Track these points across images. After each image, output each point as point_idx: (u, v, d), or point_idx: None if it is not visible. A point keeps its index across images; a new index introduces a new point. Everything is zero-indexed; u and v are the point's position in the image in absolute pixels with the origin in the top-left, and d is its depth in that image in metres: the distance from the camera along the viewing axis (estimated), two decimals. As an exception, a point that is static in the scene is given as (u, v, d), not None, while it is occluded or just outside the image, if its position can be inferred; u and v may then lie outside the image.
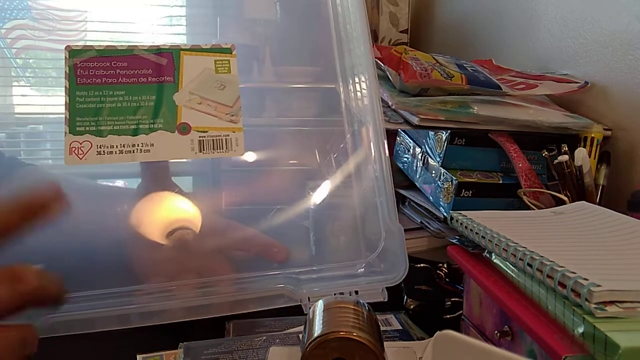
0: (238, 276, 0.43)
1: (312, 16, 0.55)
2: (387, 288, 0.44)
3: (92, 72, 0.43)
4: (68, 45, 0.43)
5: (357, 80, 0.50)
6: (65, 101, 0.42)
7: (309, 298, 0.41)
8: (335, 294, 0.41)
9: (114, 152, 0.41)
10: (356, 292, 0.42)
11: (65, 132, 0.41)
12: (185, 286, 0.42)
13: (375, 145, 0.47)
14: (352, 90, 0.50)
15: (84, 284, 0.40)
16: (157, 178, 0.46)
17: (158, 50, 0.44)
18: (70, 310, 0.38)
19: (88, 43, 0.46)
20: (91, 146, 0.41)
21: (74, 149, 0.41)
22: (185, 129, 0.43)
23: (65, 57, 0.43)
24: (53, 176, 0.50)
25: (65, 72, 0.43)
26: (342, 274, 0.44)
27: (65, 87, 0.43)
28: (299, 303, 0.42)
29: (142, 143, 0.42)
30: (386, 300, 0.43)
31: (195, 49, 0.45)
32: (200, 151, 0.43)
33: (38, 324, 0.33)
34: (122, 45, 0.44)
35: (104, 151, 0.41)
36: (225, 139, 0.43)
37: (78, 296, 0.39)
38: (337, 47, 0.51)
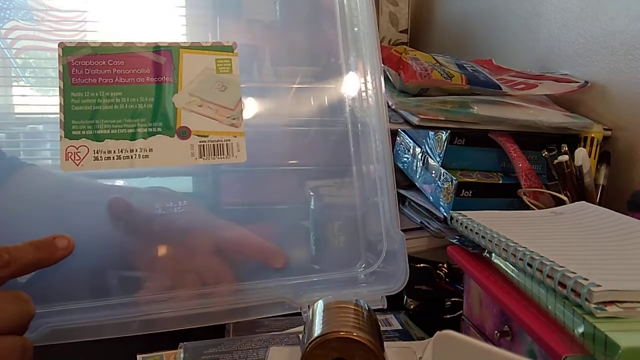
0: (238, 284, 0.43)
1: (312, 16, 0.55)
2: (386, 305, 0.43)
3: (87, 71, 0.41)
4: (61, 42, 0.41)
5: (362, 80, 0.49)
6: (60, 102, 0.40)
7: (308, 306, 0.41)
8: None
9: (112, 158, 0.40)
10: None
11: (61, 137, 0.40)
12: (185, 294, 0.42)
13: (381, 147, 0.47)
14: (357, 90, 0.50)
15: (84, 289, 0.40)
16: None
17: (156, 48, 0.43)
18: (72, 319, 0.38)
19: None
20: (88, 151, 0.40)
21: (70, 154, 0.40)
22: (185, 134, 0.41)
23: (59, 54, 0.41)
24: (54, 176, 0.50)
25: (60, 71, 0.41)
26: (342, 282, 0.44)
27: (60, 87, 0.41)
28: (299, 310, 0.42)
29: (140, 148, 0.40)
30: (385, 307, 0.43)
31: (195, 47, 0.43)
32: (201, 157, 0.41)
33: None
34: (118, 42, 0.42)
35: (101, 157, 0.40)
36: (227, 144, 0.41)
37: (79, 305, 0.39)
38: (342, 47, 0.51)
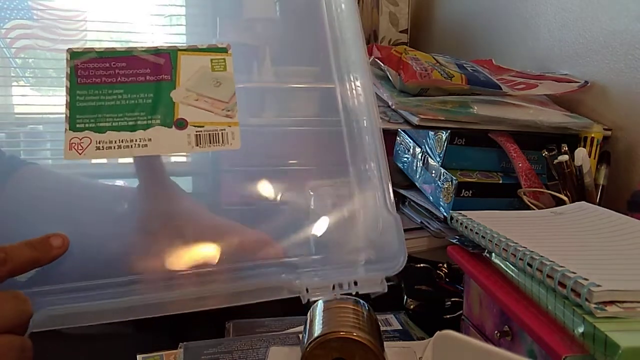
0: (235, 267, 0.43)
1: (313, 16, 0.55)
2: (386, 287, 0.43)
3: (92, 72, 0.44)
4: (70, 48, 0.44)
5: (352, 78, 0.50)
6: (66, 100, 0.43)
7: (307, 289, 0.41)
8: (333, 286, 0.41)
9: (113, 147, 0.42)
10: (355, 283, 0.42)
11: (66, 129, 0.42)
12: (183, 277, 0.42)
13: (371, 141, 0.47)
14: (348, 89, 0.50)
15: (83, 280, 0.40)
16: (153, 176, 0.46)
17: (156, 51, 0.46)
18: (66, 303, 0.38)
19: (88, 42, 0.47)
20: (90, 142, 0.42)
21: (73, 144, 0.42)
22: (182, 124, 0.43)
23: (67, 59, 0.44)
24: (54, 175, 0.50)
25: (67, 73, 0.44)
26: (340, 265, 0.44)
27: (66, 86, 0.44)
28: (298, 294, 0.41)
29: (139, 138, 0.43)
30: (386, 291, 0.42)
31: (192, 49, 0.46)
32: (197, 145, 0.43)
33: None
34: (121, 47, 0.45)
35: (102, 146, 0.42)
36: (222, 133, 0.44)
37: (75, 288, 0.39)
38: (332, 47, 0.51)
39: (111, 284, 0.40)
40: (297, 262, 0.43)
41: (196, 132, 0.43)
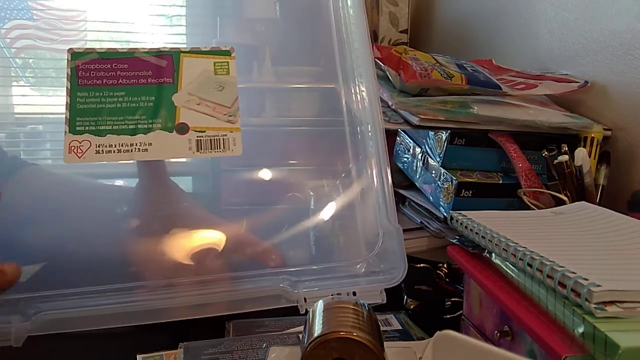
0: (235, 275, 0.43)
1: (312, 16, 0.55)
2: (386, 288, 0.43)
3: (93, 73, 0.44)
4: (71, 48, 0.44)
5: (357, 81, 0.50)
6: (66, 101, 0.43)
7: (305, 299, 0.41)
8: (332, 295, 0.41)
9: (112, 151, 0.42)
10: (354, 293, 0.42)
11: (65, 132, 0.42)
12: (184, 285, 0.42)
13: (374, 145, 0.47)
14: (352, 91, 0.50)
15: (83, 283, 0.40)
16: (155, 177, 0.46)
17: (158, 53, 0.45)
18: (68, 307, 0.38)
19: (88, 43, 0.46)
20: (90, 145, 0.42)
21: (73, 147, 0.41)
22: (183, 129, 0.43)
23: (68, 59, 0.44)
24: (55, 175, 0.51)
25: (67, 73, 0.43)
26: (340, 274, 0.44)
27: (67, 88, 0.43)
28: (296, 304, 0.42)
29: (140, 142, 0.42)
30: (384, 302, 0.43)
31: (195, 52, 0.46)
32: (198, 150, 0.43)
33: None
34: (123, 48, 0.45)
35: (102, 150, 0.42)
36: (223, 139, 0.43)
37: (76, 292, 0.39)
38: (338, 49, 0.51)
39: (111, 290, 0.40)
40: (297, 272, 0.44)
41: (197, 137, 0.43)
